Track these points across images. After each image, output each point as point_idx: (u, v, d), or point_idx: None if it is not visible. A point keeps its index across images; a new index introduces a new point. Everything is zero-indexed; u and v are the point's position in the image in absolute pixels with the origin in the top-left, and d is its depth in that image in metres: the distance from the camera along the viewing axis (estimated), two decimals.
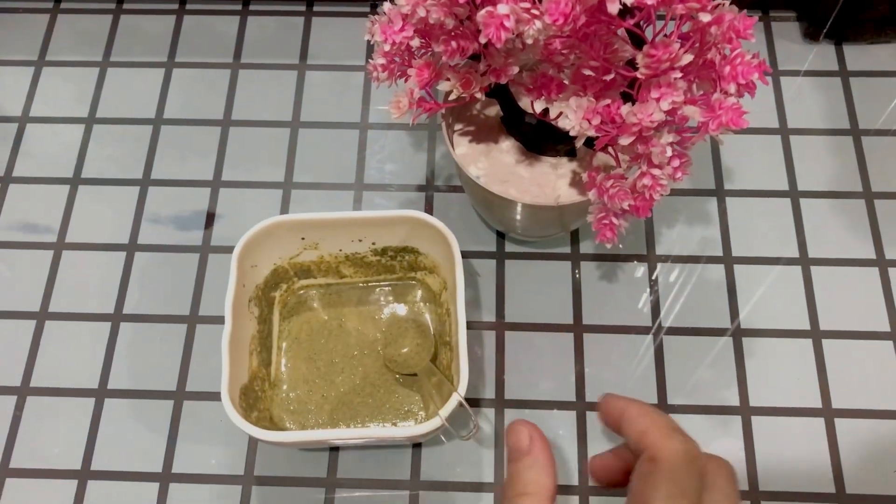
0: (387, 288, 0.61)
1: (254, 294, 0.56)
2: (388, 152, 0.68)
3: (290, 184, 0.67)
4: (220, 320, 0.52)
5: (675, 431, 0.32)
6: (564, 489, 0.56)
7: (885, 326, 0.60)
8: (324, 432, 0.52)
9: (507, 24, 0.39)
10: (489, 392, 0.59)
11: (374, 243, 0.58)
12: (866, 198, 0.65)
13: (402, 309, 0.60)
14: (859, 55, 0.71)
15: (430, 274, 0.59)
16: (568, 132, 0.44)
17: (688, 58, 0.39)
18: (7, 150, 0.69)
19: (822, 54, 0.71)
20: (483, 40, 0.40)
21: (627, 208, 0.46)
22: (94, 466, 0.57)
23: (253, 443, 0.58)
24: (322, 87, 0.72)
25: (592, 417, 0.58)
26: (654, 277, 0.62)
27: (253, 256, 0.55)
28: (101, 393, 0.59)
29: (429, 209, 0.65)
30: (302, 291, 0.61)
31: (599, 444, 0.57)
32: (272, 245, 0.56)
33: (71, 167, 0.68)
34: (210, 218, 0.66)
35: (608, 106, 0.43)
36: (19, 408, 0.59)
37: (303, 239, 0.57)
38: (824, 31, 0.70)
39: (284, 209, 0.66)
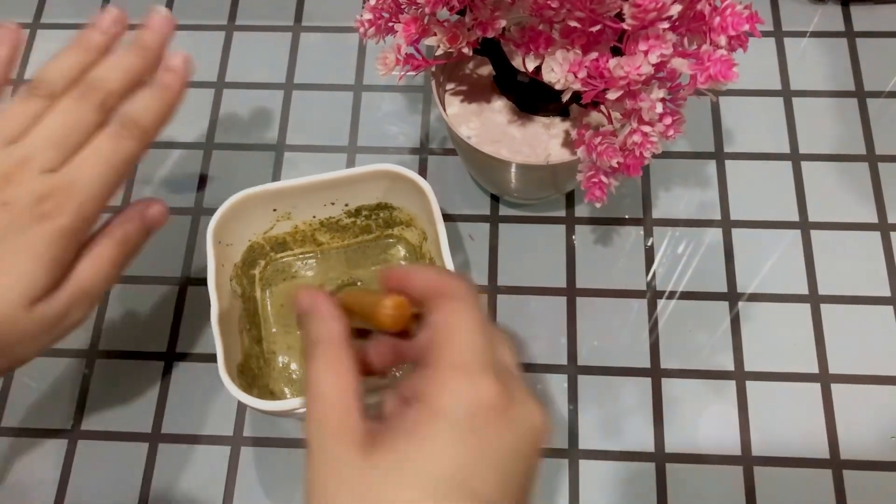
0: (366, 249, 0.60)
1: (233, 273, 0.55)
2: (382, 114, 0.67)
3: (282, 146, 0.66)
4: None
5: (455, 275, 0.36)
6: (556, 452, 0.55)
7: (886, 291, 0.59)
8: None
9: None
10: None
11: (346, 204, 0.57)
12: (870, 161, 0.63)
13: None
14: (866, 15, 0.69)
15: (408, 227, 0.58)
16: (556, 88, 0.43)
17: (676, 8, 0.38)
18: None
19: (828, 14, 0.69)
20: None
21: (616, 166, 0.45)
22: (84, 426, 0.57)
23: (243, 405, 0.57)
24: (317, 49, 0.71)
25: (585, 381, 0.57)
26: (650, 241, 0.61)
27: (227, 235, 0.54)
28: (91, 354, 0.59)
29: (423, 172, 0.64)
30: (281, 262, 0.60)
31: (592, 406, 0.56)
32: (245, 220, 0.54)
33: None
34: (202, 180, 0.65)
35: (596, 59, 0.41)
36: (10, 371, 0.59)
37: (274, 210, 0.56)
38: None
39: (277, 172, 0.65)
